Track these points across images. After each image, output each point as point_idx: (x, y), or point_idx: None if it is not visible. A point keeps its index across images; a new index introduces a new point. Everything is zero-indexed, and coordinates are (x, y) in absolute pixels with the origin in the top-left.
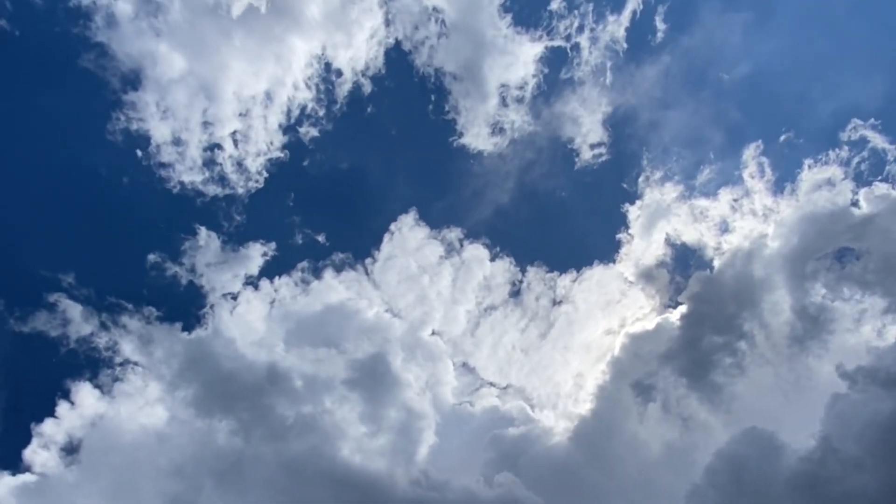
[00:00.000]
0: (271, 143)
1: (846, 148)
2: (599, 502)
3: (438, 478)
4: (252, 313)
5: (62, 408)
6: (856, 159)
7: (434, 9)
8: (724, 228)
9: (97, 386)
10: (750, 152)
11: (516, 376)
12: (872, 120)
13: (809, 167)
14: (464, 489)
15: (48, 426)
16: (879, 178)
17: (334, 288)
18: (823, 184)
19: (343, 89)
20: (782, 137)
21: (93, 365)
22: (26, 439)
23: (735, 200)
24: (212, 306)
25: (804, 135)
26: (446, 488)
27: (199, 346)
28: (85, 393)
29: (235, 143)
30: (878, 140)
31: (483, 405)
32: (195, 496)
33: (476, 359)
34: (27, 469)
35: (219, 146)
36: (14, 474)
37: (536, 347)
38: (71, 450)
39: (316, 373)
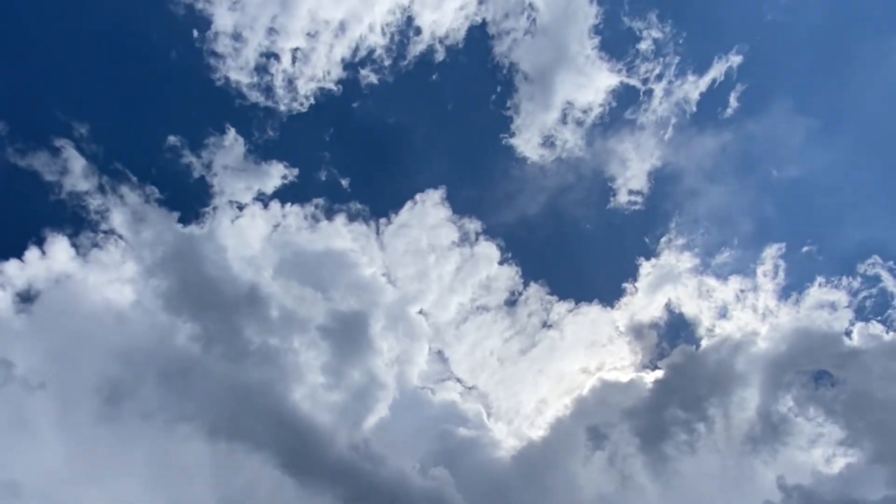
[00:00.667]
0: (328, 73)
1: (859, 280)
2: None
3: (377, 451)
4: (253, 229)
5: (32, 254)
6: (864, 293)
7: (530, 4)
8: (723, 314)
9: (74, 245)
10: (771, 251)
11: (484, 381)
12: (892, 263)
13: (820, 285)
14: (398, 470)
15: (11, 267)
16: (879, 318)
17: (341, 235)
18: (827, 305)
19: (416, 48)
20: (805, 248)
21: (77, 223)
22: None
23: (742, 291)
24: (215, 208)
25: (826, 253)
26: (382, 464)
27: (189, 242)
28: (59, 248)
29: (294, 59)
30: (890, 283)
31: (443, 397)
32: (133, 387)
33: (452, 351)
34: None
35: (276, 57)
36: None
37: (513, 361)
38: (27, 298)
39: (295, 309)
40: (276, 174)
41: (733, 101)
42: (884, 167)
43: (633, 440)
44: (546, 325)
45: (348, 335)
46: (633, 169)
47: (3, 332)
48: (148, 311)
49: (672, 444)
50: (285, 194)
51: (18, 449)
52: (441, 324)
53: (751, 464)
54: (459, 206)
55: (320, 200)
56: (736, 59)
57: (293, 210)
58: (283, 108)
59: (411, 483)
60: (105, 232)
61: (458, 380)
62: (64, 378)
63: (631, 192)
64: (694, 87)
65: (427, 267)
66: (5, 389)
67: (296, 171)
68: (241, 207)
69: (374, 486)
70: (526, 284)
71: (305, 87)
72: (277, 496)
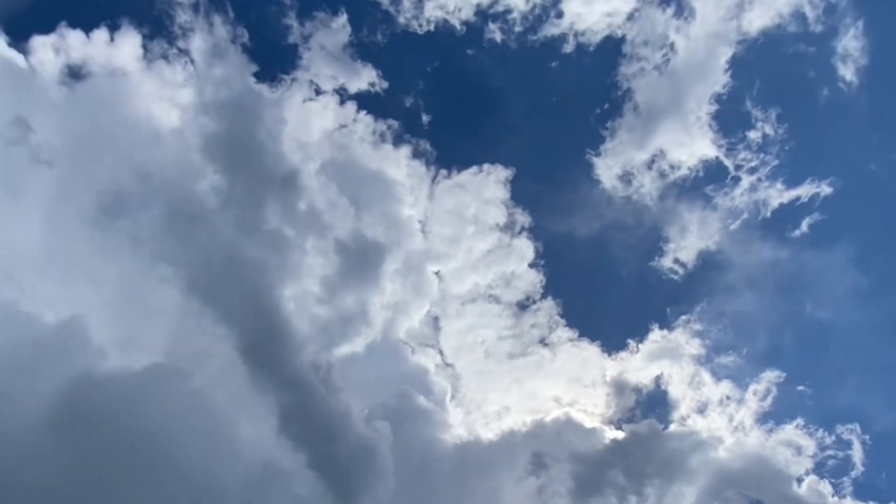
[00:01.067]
0: (458, 10)
1: (833, 438)
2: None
3: (336, 381)
4: (319, 118)
5: (100, 35)
6: (831, 452)
7: (671, 45)
8: (702, 410)
9: (144, 47)
10: (770, 376)
11: (463, 365)
12: (868, 438)
13: (797, 426)
14: (346, 407)
15: (75, 38)
16: (833, 479)
17: (399, 166)
18: (794, 447)
19: (549, 30)
20: (800, 387)
21: (157, 27)
22: None
23: (727, 398)
24: (293, 80)
25: (816, 401)
26: (334, 394)
27: (254, 99)
28: (129, 42)
29: None
30: (858, 454)
31: (419, 361)
32: (136, 208)
33: (448, 323)
34: None
35: None
36: None
37: (498, 359)
38: (76, 74)
39: (323, 212)
40: (365, 78)
41: (804, 226)
42: None
43: (568, 482)
44: (543, 342)
45: (360, 261)
46: (688, 241)
47: (38, 95)
48: (184, 144)
49: (601, 502)
50: (365, 101)
51: None
52: (450, 293)
53: None
54: (519, 193)
55: (395, 124)
56: (826, 190)
57: (365, 119)
58: (402, 19)
59: (352, 425)
60: (180, 50)
61: (441, 352)
62: (73, 167)
63: (676, 261)
64: (777, 195)
65: (462, 235)
66: (13, 151)
67: (385, 85)
68: (318, 92)
69: (317, 411)
70: (544, 296)
71: (431, 12)
72: (223, 376)
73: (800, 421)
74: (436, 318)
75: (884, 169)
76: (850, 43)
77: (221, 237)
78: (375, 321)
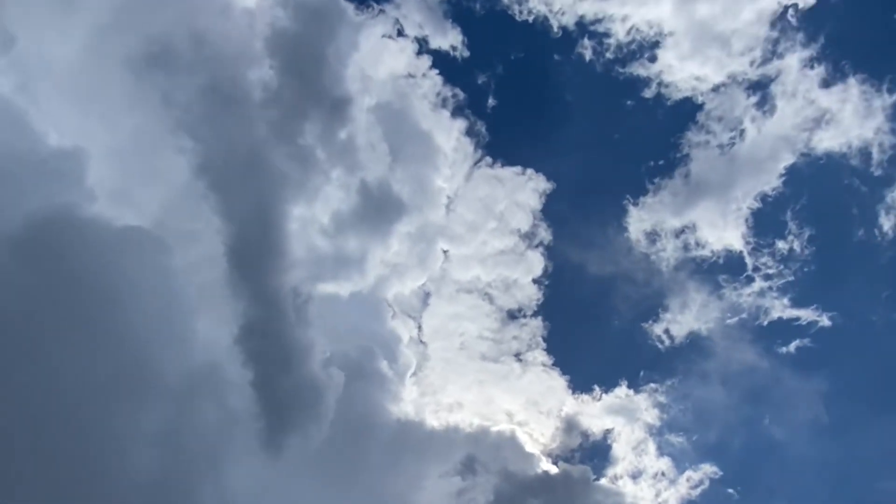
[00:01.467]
0: None
1: None
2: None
3: (310, 313)
4: (390, 58)
5: None
6: None
7: (742, 130)
8: (635, 476)
9: None
10: (708, 469)
11: (435, 347)
12: None
13: None
14: (309, 343)
15: None
16: None
17: (448, 136)
18: None
19: (646, 64)
20: (730, 489)
21: None
22: None
23: (662, 474)
24: (379, 12)
25: None
26: (303, 326)
27: (336, 15)
28: None
29: None
30: None
31: (394, 327)
32: (170, 73)
33: (435, 301)
34: None
35: None
36: None
37: (469, 355)
38: None
39: (359, 149)
40: (450, 38)
41: (792, 347)
42: None
43: (488, 495)
44: (518, 356)
45: (378, 210)
46: (685, 317)
47: None
48: (251, 27)
49: None
50: (441, 60)
51: None
52: (449, 276)
53: None
54: (550, 209)
55: (461, 95)
56: (825, 322)
57: (435, 78)
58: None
59: (309, 362)
60: None
61: (419, 327)
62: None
63: (667, 332)
64: (780, 309)
65: (483, 226)
66: None
67: (466, 54)
68: (400, 33)
69: (280, 335)
70: (535, 315)
71: (535, 4)
72: (201, 266)
73: None
74: (427, 294)
75: (882, 323)
76: None
77: (253, 132)
78: (369, 273)
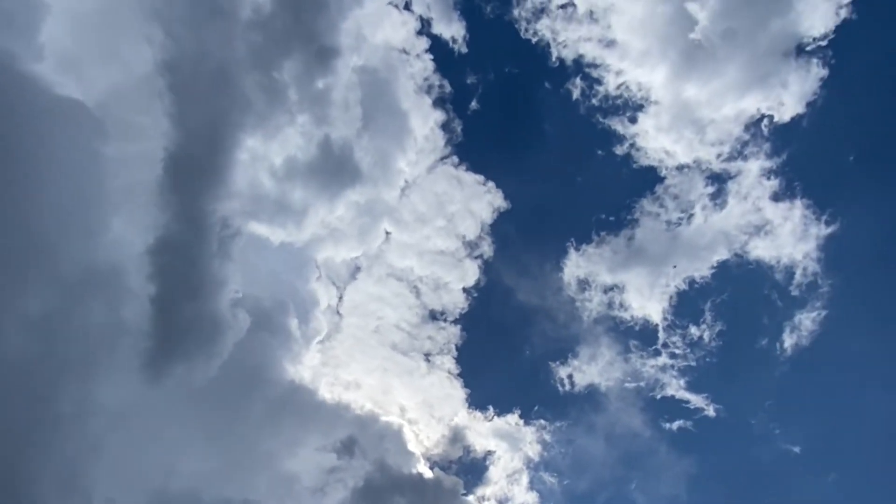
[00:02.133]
0: None
1: None
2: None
3: (230, 249)
4: (392, 27)
5: None
6: None
7: (691, 215)
8: (502, 501)
9: None
10: None
11: (349, 322)
12: None
13: None
14: (222, 278)
15: None
16: None
17: (424, 121)
18: None
19: None
20: None
21: None
22: None
23: None
24: None
25: None
26: (221, 257)
27: None
28: None
29: None
30: None
31: (315, 289)
32: None
33: (364, 278)
34: None
35: None
36: None
37: (381, 339)
38: None
39: (333, 102)
40: (454, 28)
41: (675, 426)
42: None
43: (358, 480)
44: (428, 356)
45: (334, 170)
46: (590, 370)
47: None
48: None
49: None
50: (437, 47)
51: None
52: (384, 258)
53: None
54: (500, 227)
55: (447, 87)
56: (710, 412)
57: (426, 62)
58: (517, 14)
59: (217, 297)
60: None
61: (341, 297)
62: None
63: (569, 377)
64: (674, 389)
65: (431, 221)
66: None
67: (464, 49)
68: (406, 6)
69: (196, 261)
70: (456, 322)
71: (543, 29)
72: (135, 161)
73: None
74: (358, 268)
75: (759, 427)
76: (807, 322)
77: (230, 49)
78: (306, 229)
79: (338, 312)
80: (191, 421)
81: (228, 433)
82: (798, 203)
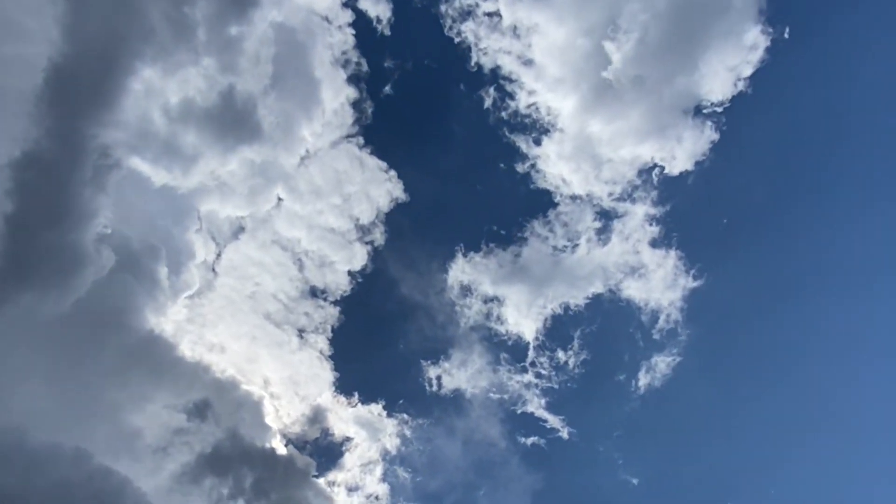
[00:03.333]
0: None
1: None
2: None
3: (108, 177)
4: None
5: None
6: None
7: (578, 244)
8: (353, 489)
9: None
10: None
11: (224, 282)
12: None
13: None
14: (93, 208)
15: None
16: None
17: (336, 93)
18: None
19: None
20: None
21: None
22: None
23: (376, 500)
24: None
25: None
26: (96, 185)
27: None
28: None
29: None
30: None
31: (193, 241)
32: None
33: (247, 239)
34: None
35: None
36: None
37: (254, 306)
38: None
39: (253, 53)
40: (380, 11)
41: (529, 442)
42: None
43: (205, 447)
44: (301, 332)
45: (234, 121)
46: (458, 375)
47: None
48: None
49: (213, 483)
50: (362, 24)
51: None
52: (272, 223)
53: None
54: (395, 216)
55: (364, 65)
56: (564, 434)
57: (348, 37)
58: (444, 10)
59: (82, 228)
60: None
61: (219, 255)
62: None
63: (438, 378)
64: (534, 406)
65: (327, 196)
66: None
67: (387, 31)
68: None
69: (65, 184)
70: (336, 304)
71: (473, 42)
72: (11, 66)
73: None
74: (242, 228)
75: (605, 456)
76: (661, 366)
77: None
78: (193, 177)
79: (213, 270)
80: (30, 355)
81: (71, 376)
82: (672, 253)
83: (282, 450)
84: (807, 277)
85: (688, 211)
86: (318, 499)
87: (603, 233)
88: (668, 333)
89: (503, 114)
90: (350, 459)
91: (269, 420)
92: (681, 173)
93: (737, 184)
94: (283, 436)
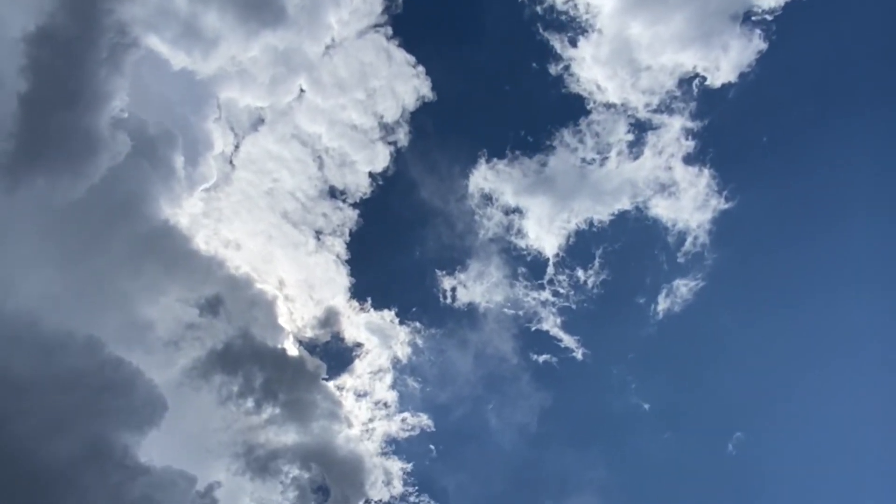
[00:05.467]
0: None
1: None
2: None
3: (126, 59)
4: None
5: None
6: None
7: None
8: (360, 395)
9: None
10: (414, 420)
11: (242, 175)
12: None
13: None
14: (110, 88)
15: None
16: None
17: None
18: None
19: None
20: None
21: None
22: None
23: (385, 405)
24: None
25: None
26: (108, 71)
27: None
28: None
29: None
30: None
31: (208, 131)
32: None
33: (268, 131)
34: None
35: None
36: None
37: (271, 204)
38: None
39: None
40: None
41: (540, 360)
42: None
43: (217, 343)
44: (318, 234)
45: (255, 5)
46: (474, 287)
47: None
48: None
49: (223, 380)
50: None
51: None
52: (291, 114)
53: None
54: (421, 117)
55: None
56: (579, 356)
57: None
58: None
59: (98, 111)
60: None
61: (237, 146)
62: None
63: (453, 291)
64: (549, 325)
65: (351, 90)
66: None
67: None
68: None
69: (81, 62)
70: (355, 206)
71: None
72: None
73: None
74: (262, 120)
75: (618, 377)
76: (683, 290)
77: None
78: (212, 61)
79: (231, 162)
80: (43, 241)
81: (84, 263)
82: (706, 172)
83: (293, 351)
84: (846, 206)
85: (726, 126)
86: (326, 402)
87: (635, 146)
88: (694, 257)
89: (538, 8)
90: (360, 366)
91: (282, 321)
92: (723, 85)
93: (781, 100)
94: (295, 338)
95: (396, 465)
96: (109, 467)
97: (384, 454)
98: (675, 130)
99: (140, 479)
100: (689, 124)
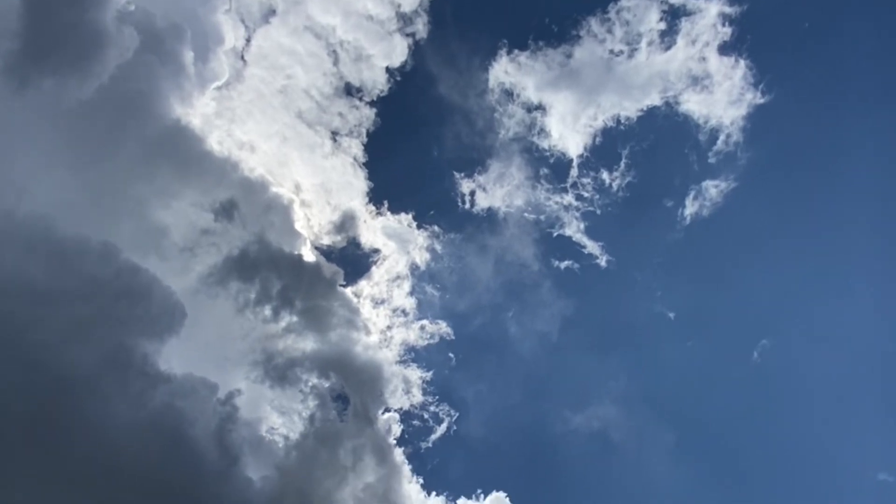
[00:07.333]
0: None
1: None
2: None
3: None
4: None
5: None
6: None
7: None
8: (378, 302)
9: None
10: (442, 328)
11: (254, 72)
12: None
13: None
14: None
15: None
16: None
17: None
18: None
19: None
20: None
21: None
22: None
23: (403, 313)
24: None
25: None
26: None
27: None
28: None
29: None
30: None
31: (217, 23)
32: None
33: (279, 23)
34: None
35: None
36: None
37: (285, 102)
38: None
39: None
40: None
41: (562, 267)
42: None
43: (233, 249)
44: (335, 135)
45: None
46: (493, 191)
47: None
48: None
49: (237, 286)
50: None
51: None
52: (303, 4)
53: None
54: (438, 5)
55: None
56: (602, 261)
57: None
58: None
59: (102, 8)
60: None
61: (248, 39)
62: None
63: (472, 195)
64: (573, 230)
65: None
66: None
67: None
68: None
69: None
70: (371, 105)
71: None
72: None
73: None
74: (273, 11)
75: (643, 282)
76: (713, 192)
77: None
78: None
79: (242, 58)
80: (54, 143)
81: (96, 166)
82: (742, 63)
83: (310, 257)
84: (893, 101)
85: (766, 11)
86: (343, 309)
87: (668, 35)
88: (726, 157)
89: None
90: (378, 273)
91: (299, 226)
92: None
93: None
94: (312, 244)
95: (416, 374)
96: (131, 375)
97: (403, 362)
98: (711, 16)
99: (161, 387)
100: (727, 9)
